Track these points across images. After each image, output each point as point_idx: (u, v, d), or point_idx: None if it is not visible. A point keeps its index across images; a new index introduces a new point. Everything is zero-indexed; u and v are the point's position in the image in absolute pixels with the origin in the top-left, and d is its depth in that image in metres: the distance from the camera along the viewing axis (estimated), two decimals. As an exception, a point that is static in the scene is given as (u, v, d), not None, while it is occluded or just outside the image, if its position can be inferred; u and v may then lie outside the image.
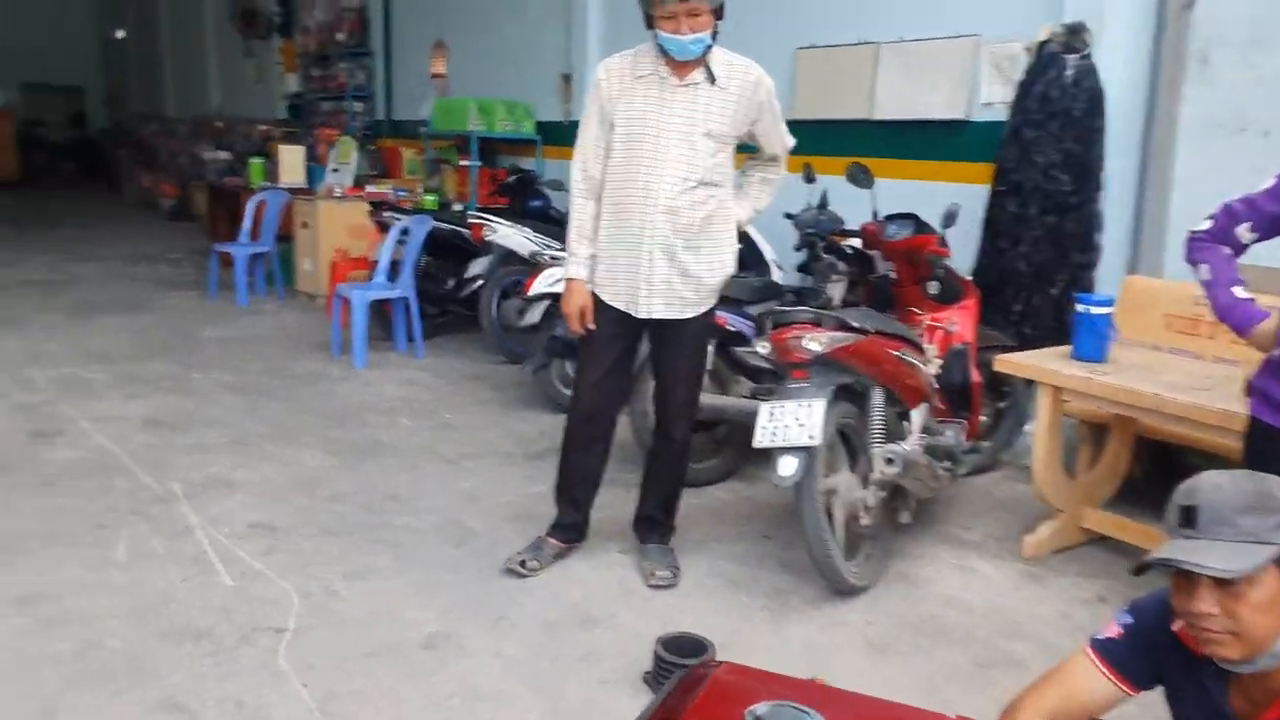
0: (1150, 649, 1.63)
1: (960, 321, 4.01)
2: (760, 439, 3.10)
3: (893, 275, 4.21)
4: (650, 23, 2.96)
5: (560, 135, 7.35)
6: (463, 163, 7.90)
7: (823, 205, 4.73)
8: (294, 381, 5.49)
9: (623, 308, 3.18)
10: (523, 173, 7.36)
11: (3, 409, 4.70)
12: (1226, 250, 2.38)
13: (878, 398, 3.37)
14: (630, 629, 2.96)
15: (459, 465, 4.26)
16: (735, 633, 2.98)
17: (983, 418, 4.16)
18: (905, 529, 3.64)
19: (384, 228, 6.58)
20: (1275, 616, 1.42)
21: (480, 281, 6.23)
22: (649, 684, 2.66)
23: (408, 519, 3.66)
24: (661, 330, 3.24)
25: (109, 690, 2.50)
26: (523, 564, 3.28)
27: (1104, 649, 1.67)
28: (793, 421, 3.08)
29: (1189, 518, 1.45)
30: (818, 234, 4.57)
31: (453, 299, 6.52)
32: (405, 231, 6.19)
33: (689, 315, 3.20)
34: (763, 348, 3.24)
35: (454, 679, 2.64)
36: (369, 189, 7.95)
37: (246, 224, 7.93)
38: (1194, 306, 3.62)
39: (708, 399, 3.98)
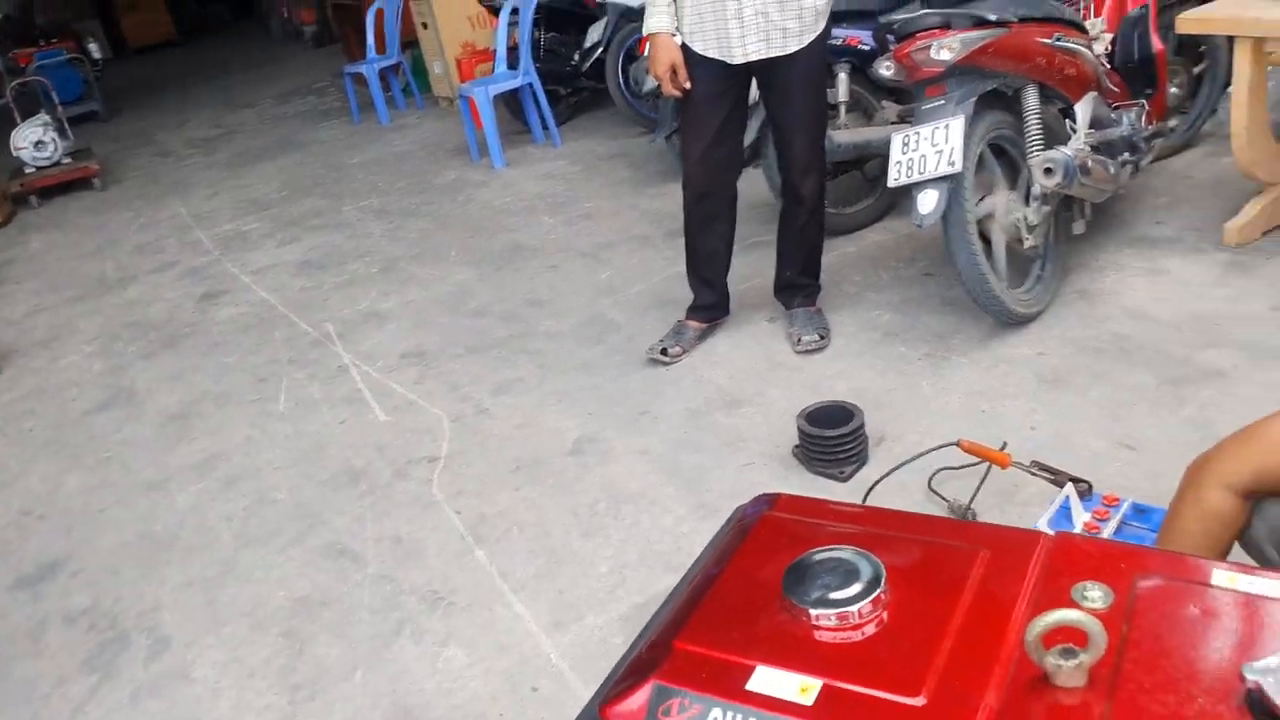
0: None
1: (1135, -20, 3.32)
2: (896, 176, 2.76)
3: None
4: None
5: None
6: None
7: None
8: (437, 194, 5.45)
9: (717, 55, 2.81)
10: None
11: (176, 275, 4.96)
12: None
13: (1030, 99, 2.89)
14: (779, 405, 2.79)
15: (597, 258, 4.11)
16: (891, 391, 2.76)
17: (1174, 89, 3.52)
18: (1083, 239, 3.20)
19: (494, 11, 6.23)
20: None
21: (601, 49, 5.83)
22: (799, 459, 2.53)
23: (549, 323, 3.59)
24: (768, 73, 2.85)
25: (279, 543, 2.64)
26: (664, 351, 3.14)
27: None
28: (929, 149, 2.70)
29: None
30: None
31: (579, 74, 6.16)
32: (516, 11, 5.82)
33: (794, 49, 2.77)
34: (886, 68, 2.82)
35: (598, 485, 2.60)
36: (482, -31, 7.49)
37: (369, 38, 7.75)
38: None
39: (845, 135, 3.60)
